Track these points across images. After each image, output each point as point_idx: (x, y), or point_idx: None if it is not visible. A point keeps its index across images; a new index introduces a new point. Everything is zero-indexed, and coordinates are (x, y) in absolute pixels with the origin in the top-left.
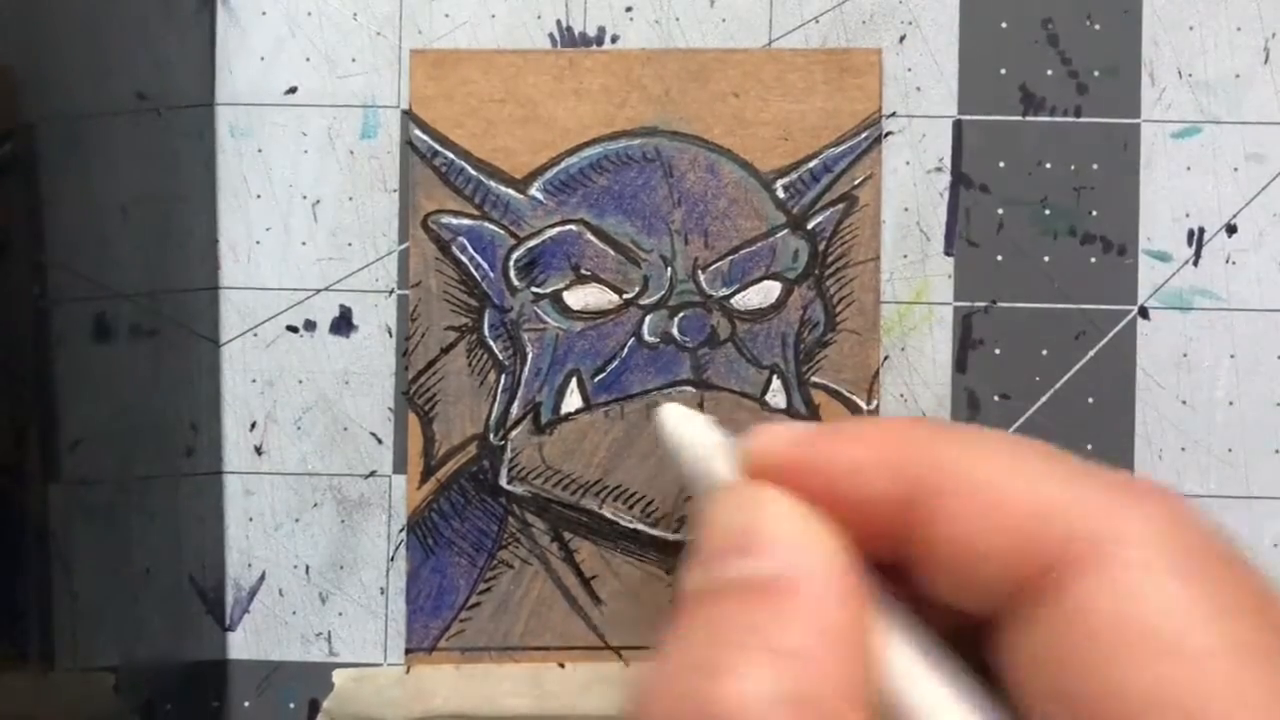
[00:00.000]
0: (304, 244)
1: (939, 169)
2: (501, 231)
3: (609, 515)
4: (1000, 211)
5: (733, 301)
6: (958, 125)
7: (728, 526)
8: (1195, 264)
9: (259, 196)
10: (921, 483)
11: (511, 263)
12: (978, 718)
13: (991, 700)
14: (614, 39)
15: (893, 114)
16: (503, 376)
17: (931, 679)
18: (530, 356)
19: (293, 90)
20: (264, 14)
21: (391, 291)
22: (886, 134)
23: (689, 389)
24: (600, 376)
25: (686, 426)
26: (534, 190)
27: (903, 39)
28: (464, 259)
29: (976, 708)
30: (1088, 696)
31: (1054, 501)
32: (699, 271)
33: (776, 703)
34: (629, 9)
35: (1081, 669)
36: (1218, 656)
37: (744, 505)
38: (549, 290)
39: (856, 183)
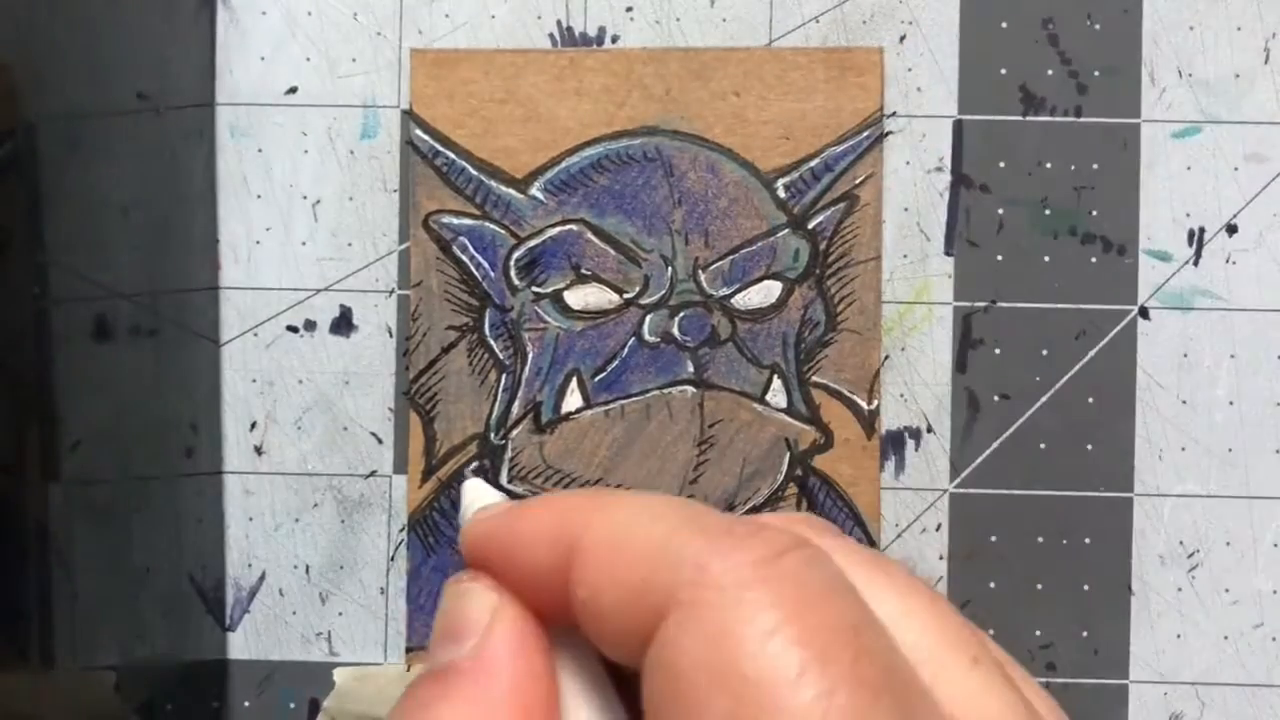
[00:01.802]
0: (304, 244)
1: (939, 169)
2: (502, 231)
3: None
4: (1000, 211)
5: (733, 301)
6: (958, 125)
7: (444, 613)
8: (1195, 264)
9: (259, 196)
10: (569, 546)
11: (512, 262)
12: None
13: None
14: (614, 39)
15: (893, 114)
16: (503, 376)
17: None
18: (531, 356)
19: (293, 90)
20: (264, 14)
21: (392, 291)
22: (887, 134)
23: (689, 389)
24: (600, 376)
25: (473, 503)
26: (534, 190)
27: (903, 39)
28: (465, 259)
29: None
30: None
31: (664, 545)
32: (699, 271)
33: None
34: (629, 9)
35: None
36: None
37: (454, 593)
38: (549, 290)
39: (857, 182)
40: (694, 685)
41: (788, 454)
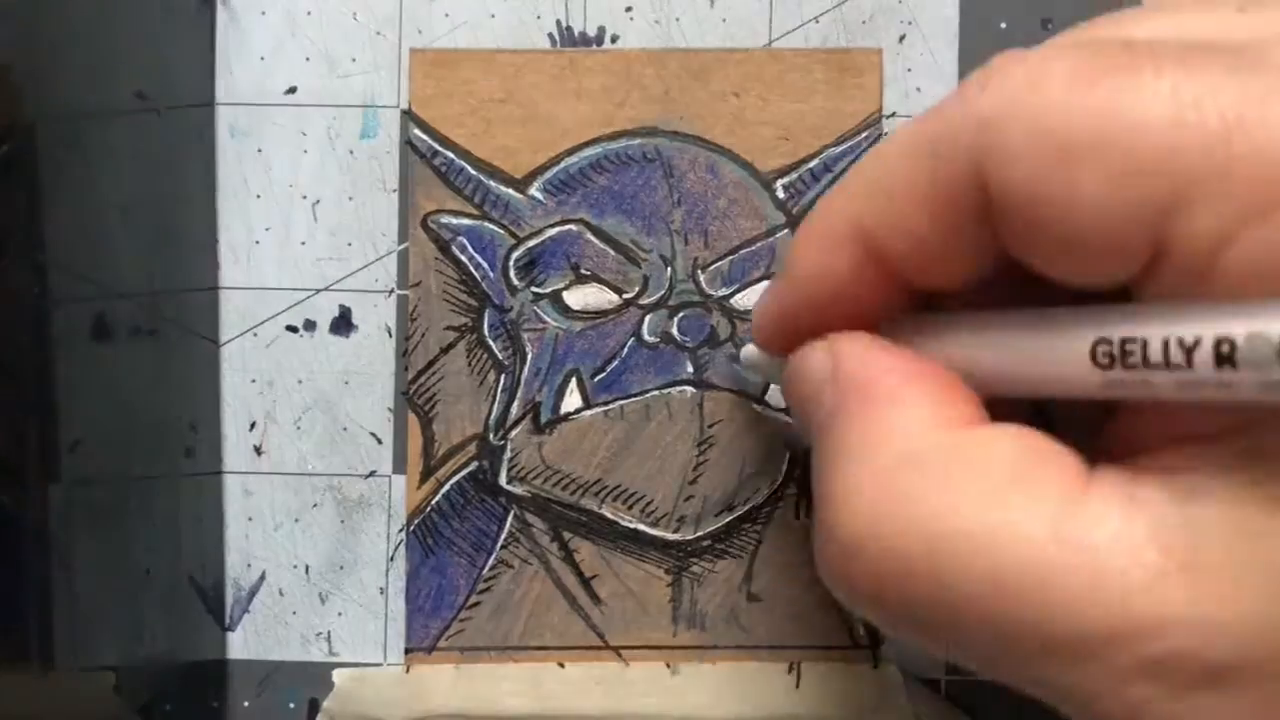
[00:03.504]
0: (304, 244)
1: None
2: (501, 231)
3: (609, 515)
4: None
5: (733, 301)
6: None
7: (791, 394)
8: None
9: (259, 196)
10: (972, 171)
11: (511, 263)
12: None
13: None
14: (614, 39)
15: (893, 114)
16: (502, 376)
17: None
18: (530, 356)
19: (293, 90)
20: (264, 14)
21: (391, 291)
22: (886, 135)
23: (689, 389)
24: (600, 376)
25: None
26: (534, 190)
27: (902, 39)
28: (464, 259)
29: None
30: None
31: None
32: (699, 271)
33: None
34: (629, 9)
35: None
36: None
37: (788, 379)
38: (549, 290)
39: None
40: None
41: (788, 454)
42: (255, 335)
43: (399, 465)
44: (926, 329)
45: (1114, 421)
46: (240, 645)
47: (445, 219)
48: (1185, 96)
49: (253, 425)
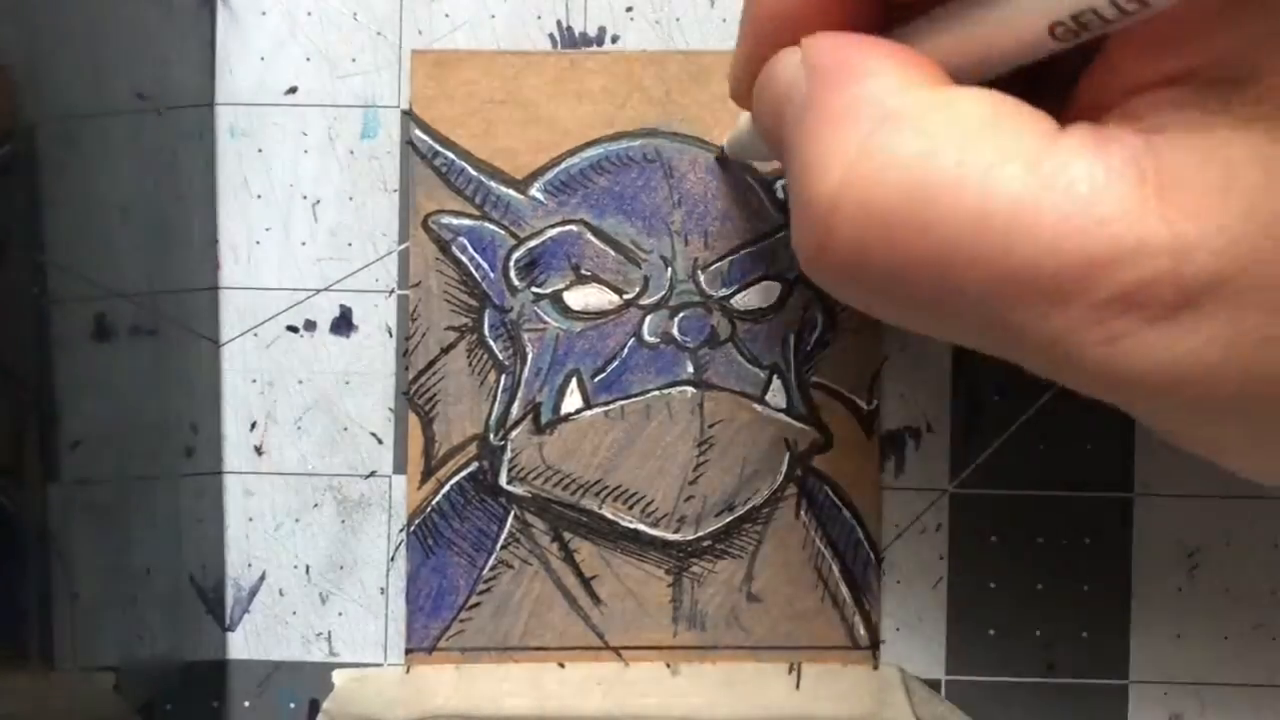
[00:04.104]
0: (304, 244)
1: None
2: (502, 232)
3: (609, 515)
4: None
5: (733, 301)
6: None
7: (759, 99)
8: None
9: (259, 196)
10: None
11: (512, 263)
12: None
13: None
14: (614, 39)
15: None
16: (503, 376)
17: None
18: (530, 356)
19: (293, 90)
20: (264, 14)
21: (391, 291)
22: None
23: (689, 389)
24: (600, 376)
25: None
26: (534, 191)
27: None
28: (464, 259)
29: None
30: None
31: None
32: (699, 272)
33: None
34: (629, 9)
35: None
36: None
37: (761, 84)
38: (549, 290)
39: None
40: None
41: (787, 454)
42: (255, 335)
43: (399, 465)
44: (893, 36)
45: (1076, 90)
46: (240, 645)
47: (446, 219)
48: None
49: (253, 425)
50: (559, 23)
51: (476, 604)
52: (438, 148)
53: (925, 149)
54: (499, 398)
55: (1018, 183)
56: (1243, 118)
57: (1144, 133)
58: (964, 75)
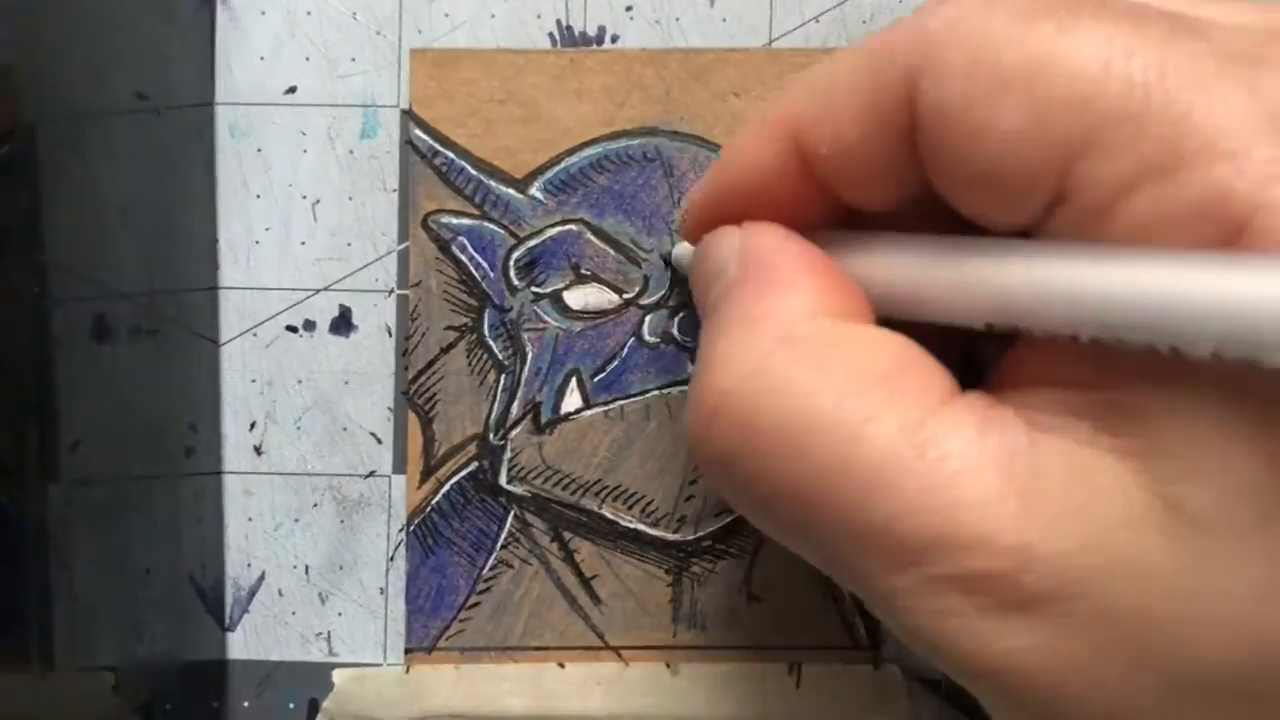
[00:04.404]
0: (304, 244)
1: None
2: (501, 231)
3: (609, 515)
4: None
5: None
6: None
7: (695, 273)
8: None
9: (259, 196)
10: (903, 86)
11: (511, 262)
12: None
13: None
14: (614, 39)
15: None
16: (503, 376)
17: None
18: (530, 356)
19: (293, 90)
20: (264, 14)
21: (391, 291)
22: None
23: (689, 389)
24: (600, 376)
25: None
26: (534, 190)
27: None
28: (464, 259)
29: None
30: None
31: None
32: None
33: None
34: (629, 8)
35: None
36: None
37: (699, 255)
38: (549, 290)
39: None
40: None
41: None
42: (255, 335)
43: (399, 465)
44: (841, 243)
45: (1002, 353)
46: (240, 645)
47: (445, 219)
48: (1117, 46)
49: (253, 425)
50: (559, 22)
51: (476, 604)
52: (437, 147)
53: (810, 387)
54: (499, 397)
55: (889, 442)
56: (1122, 449)
57: (1032, 429)
58: (895, 309)
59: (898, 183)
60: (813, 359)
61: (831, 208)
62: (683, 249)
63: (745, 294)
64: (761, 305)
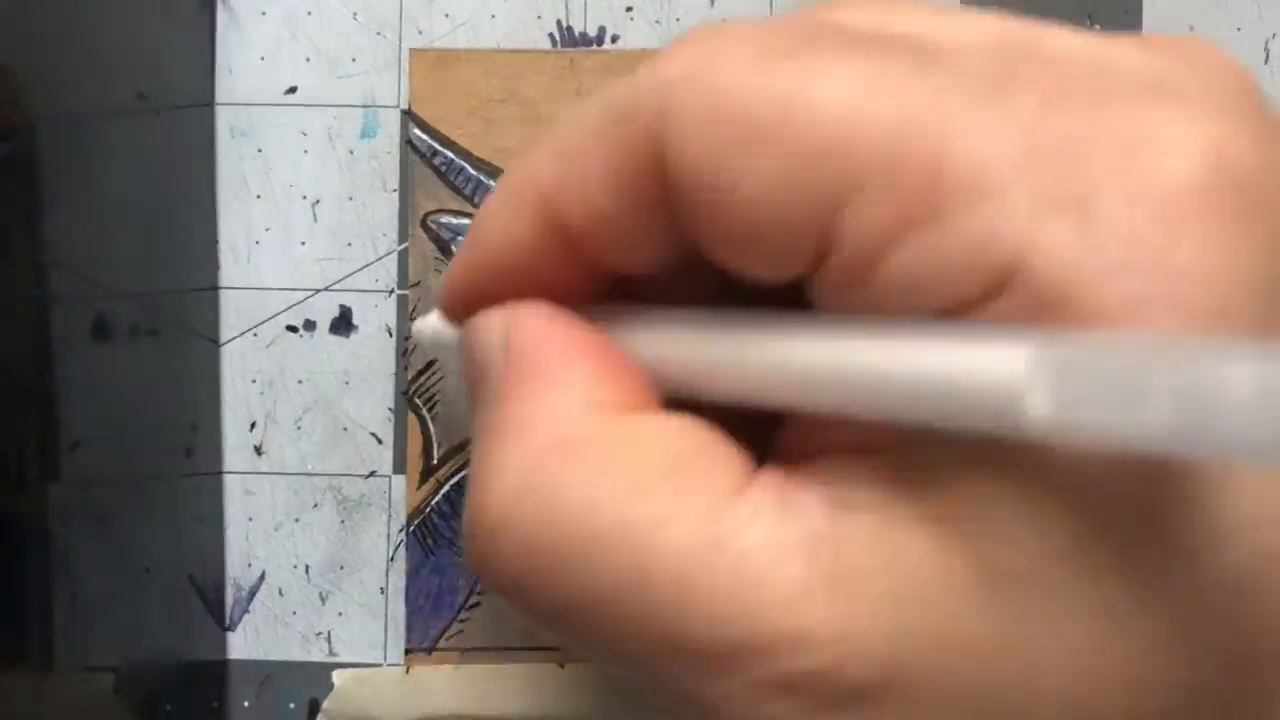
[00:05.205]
0: (304, 244)
1: None
2: None
3: None
4: None
5: None
6: None
7: (463, 370)
8: None
9: (259, 196)
10: (648, 150)
11: None
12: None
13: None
14: (614, 39)
15: None
16: None
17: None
18: None
19: (293, 90)
20: (264, 14)
21: (391, 291)
22: None
23: None
24: None
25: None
26: None
27: None
28: None
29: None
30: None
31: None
32: None
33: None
34: (629, 9)
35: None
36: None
37: (466, 345)
38: None
39: None
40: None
41: None
42: (255, 335)
43: (399, 465)
44: (618, 317)
45: (784, 425)
46: (240, 645)
47: (445, 219)
48: (862, 86)
49: (253, 425)
50: (559, 22)
51: (476, 604)
52: (437, 147)
53: (588, 497)
54: None
55: (685, 545)
56: (929, 516)
57: (832, 508)
58: (676, 389)
59: (663, 245)
60: (589, 464)
61: (604, 276)
62: (425, 323)
63: (513, 394)
64: (530, 406)
